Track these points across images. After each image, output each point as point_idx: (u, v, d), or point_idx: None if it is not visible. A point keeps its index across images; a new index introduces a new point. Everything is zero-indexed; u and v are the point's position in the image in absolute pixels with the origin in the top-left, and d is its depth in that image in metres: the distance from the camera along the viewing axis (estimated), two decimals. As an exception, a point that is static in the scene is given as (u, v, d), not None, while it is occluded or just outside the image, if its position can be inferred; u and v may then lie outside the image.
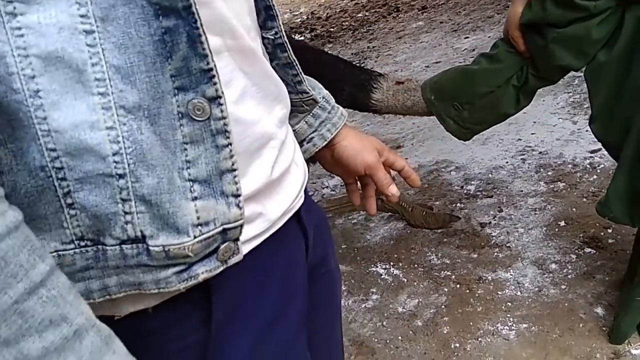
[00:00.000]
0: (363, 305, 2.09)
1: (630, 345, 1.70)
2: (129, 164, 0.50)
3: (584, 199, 2.39)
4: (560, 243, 2.18)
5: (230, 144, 0.54)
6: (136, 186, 0.50)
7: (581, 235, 2.18)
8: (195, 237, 0.53)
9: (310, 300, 0.74)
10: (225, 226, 0.55)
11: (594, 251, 2.09)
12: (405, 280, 2.18)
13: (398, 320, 1.99)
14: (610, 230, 2.17)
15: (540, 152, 2.84)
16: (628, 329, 1.69)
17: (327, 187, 3.03)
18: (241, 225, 0.56)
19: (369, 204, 0.96)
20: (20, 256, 0.42)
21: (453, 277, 2.13)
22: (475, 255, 2.22)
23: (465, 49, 4.37)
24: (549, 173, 2.65)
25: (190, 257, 0.53)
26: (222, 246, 0.56)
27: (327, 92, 0.88)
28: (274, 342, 0.64)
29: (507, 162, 2.83)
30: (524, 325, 1.84)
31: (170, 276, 0.54)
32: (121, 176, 0.50)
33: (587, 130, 2.88)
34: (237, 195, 0.55)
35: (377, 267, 2.29)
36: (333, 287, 0.89)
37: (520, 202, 2.48)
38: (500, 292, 2.00)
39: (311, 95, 0.82)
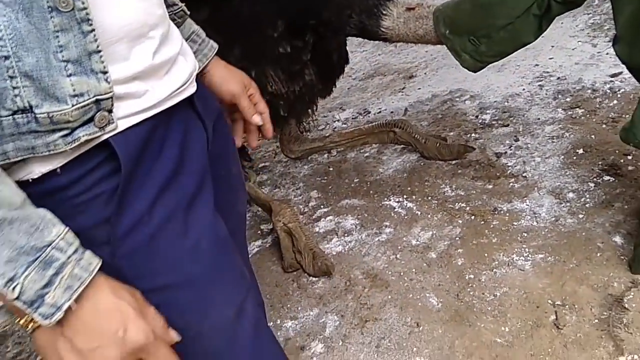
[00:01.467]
0: (376, 239, 2.08)
1: (649, 273, 1.67)
2: (11, 47, 0.61)
3: (604, 125, 2.31)
4: (578, 171, 2.12)
5: (94, 30, 0.64)
6: (19, 65, 0.61)
7: (600, 162, 2.12)
8: (73, 105, 0.64)
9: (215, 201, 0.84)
10: (98, 97, 0.66)
11: (613, 179, 2.03)
12: (419, 212, 2.15)
13: (412, 252, 1.97)
14: (630, 157, 2.10)
15: (559, 78, 2.74)
16: (648, 258, 1.65)
17: (338, 120, 2.97)
18: (111, 98, 0.67)
19: (236, 137, 1.04)
20: None
21: (467, 208, 2.09)
22: (491, 186, 2.17)
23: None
24: (567, 99, 2.56)
25: (71, 122, 0.65)
26: (97, 114, 0.66)
27: (198, 27, 1.00)
28: (174, 193, 0.75)
29: (523, 89, 2.73)
30: (540, 256, 1.82)
31: (57, 139, 0.65)
32: (6, 57, 0.61)
33: (607, 54, 2.76)
34: (104, 72, 0.66)
35: (390, 200, 2.25)
36: (233, 194, 0.99)
37: (537, 131, 2.41)
38: (515, 223, 1.97)
39: (180, 7, 0.95)
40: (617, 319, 1.57)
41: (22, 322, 0.62)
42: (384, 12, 1.70)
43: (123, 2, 0.71)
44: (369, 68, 3.46)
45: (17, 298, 0.58)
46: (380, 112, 2.95)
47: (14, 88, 0.61)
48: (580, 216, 1.92)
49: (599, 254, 1.77)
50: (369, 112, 2.97)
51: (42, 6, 0.61)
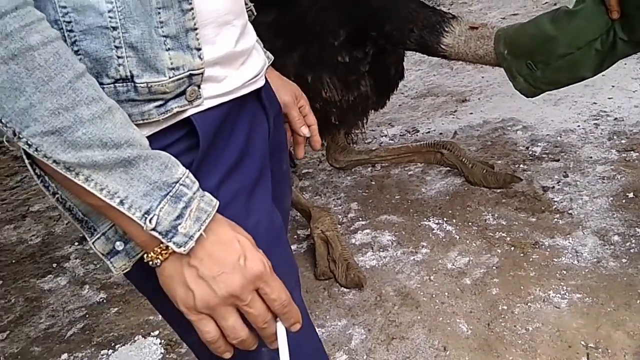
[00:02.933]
0: (412, 258, 2.06)
1: (690, 327, 1.61)
2: (119, 19, 0.64)
3: (658, 172, 2.25)
4: (626, 215, 2.07)
5: (193, 9, 0.68)
6: (126, 36, 0.65)
7: (650, 209, 2.07)
8: (170, 78, 0.68)
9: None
10: (191, 72, 0.70)
11: (662, 227, 1.98)
12: (458, 237, 2.13)
13: (446, 276, 1.95)
14: (682, 207, 2.04)
15: (616, 119, 2.69)
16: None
17: (385, 135, 2.96)
18: (202, 73, 0.71)
19: None
20: (67, 53, 0.60)
21: (508, 239, 2.07)
22: (534, 219, 2.14)
23: (546, 2, 4.13)
24: (623, 141, 2.50)
25: (167, 94, 0.69)
26: (189, 88, 0.70)
27: (257, 37, 0.99)
28: (239, 177, 0.79)
29: (578, 126, 2.69)
30: (578, 295, 1.78)
31: (151, 109, 0.69)
32: (114, 28, 0.64)
33: (670, 99, 2.70)
34: (198, 49, 0.70)
35: (429, 221, 2.24)
36: (285, 189, 1.03)
37: (588, 169, 2.36)
38: (556, 259, 1.93)
39: (249, 7, 0.96)
40: (651, 370, 1.53)
41: (150, 255, 0.66)
42: (447, 29, 1.69)
43: None
44: (422, 87, 3.45)
45: (154, 229, 0.62)
46: (429, 132, 2.94)
47: (119, 57, 0.65)
48: (624, 260, 1.87)
49: (638, 301, 1.72)
50: (418, 131, 2.96)
51: None
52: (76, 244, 2.47)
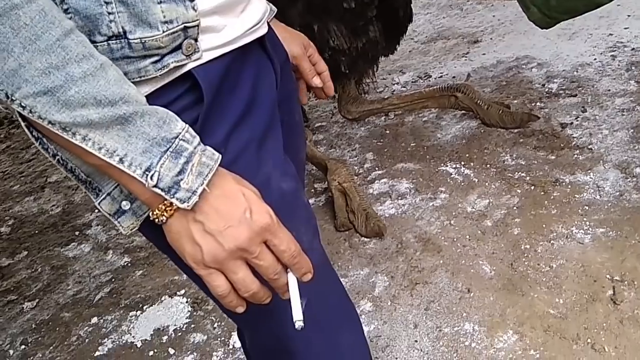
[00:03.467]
0: (431, 204, 2.05)
1: None
2: None
3: (679, 100, 2.20)
4: (648, 146, 2.03)
5: None
6: None
7: (672, 138, 2.02)
8: (164, 32, 0.66)
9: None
10: (186, 24, 0.67)
11: (686, 156, 1.94)
12: (476, 180, 2.10)
13: (466, 219, 1.94)
14: None
15: (633, 49, 2.61)
16: None
17: (397, 83, 2.92)
18: (197, 26, 0.68)
19: (300, 94, 1.03)
20: (53, 10, 0.58)
21: (527, 178, 2.04)
22: (553, 157, 2.10)
23: None
24: (642, 71, 2.44)
25: (162, 49, 0.67)
26: (185, 42, 0.68)
27: None
28: (248, 127, 0.77)
29: (595, 59, 2.62)
30: (601, 230, 1.76)
31: (148, 65, 0.67)
32: None
33: (689, 25, 2.61)
34: (192, 0, 0.67)
35: (447, 166, 2.22)
36: (299, 139, 1.01)
37: (606, 102, 2.31)
38: (577, 196, 1.91)
39: None
40: (679, 299, 1.52)
41: (155, 213, 0.65)
42: None
43: None
44: (432, 31, 3.37)
45: (155, 185, 0.62)
46: (441, 76, 2.88)
47: (109, 14, 0.63)
48: (647, 192, 1.85)
49: (664, 232, 1.70)
50: (430, 76, 2.91)
51: None
52: (96, 211, 2.49)
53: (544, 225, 1.82)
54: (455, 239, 1.87)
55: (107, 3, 0.63)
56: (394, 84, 2.92)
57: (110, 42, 0.65)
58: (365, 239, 1.97)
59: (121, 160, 0.61)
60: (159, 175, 0.61)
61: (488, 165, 2.15)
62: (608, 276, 1.62)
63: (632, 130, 2.12)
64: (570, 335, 1.49)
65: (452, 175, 2.16)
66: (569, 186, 1.95)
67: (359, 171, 2.33)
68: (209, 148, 0.66)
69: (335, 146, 2.55)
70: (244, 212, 0.65)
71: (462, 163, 2.20)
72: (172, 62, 0.68)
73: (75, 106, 0.59)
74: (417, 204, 2.07)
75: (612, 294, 1.57)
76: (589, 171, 1.99)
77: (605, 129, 2.17)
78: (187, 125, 0.65)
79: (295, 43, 0.97)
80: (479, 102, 2.36)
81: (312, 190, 2.29)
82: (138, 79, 0.67)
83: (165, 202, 0.64)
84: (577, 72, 2.56)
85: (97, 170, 0.66)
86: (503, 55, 2.87)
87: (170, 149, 0.62)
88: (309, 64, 0.99)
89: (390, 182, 2.22)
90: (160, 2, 0.65)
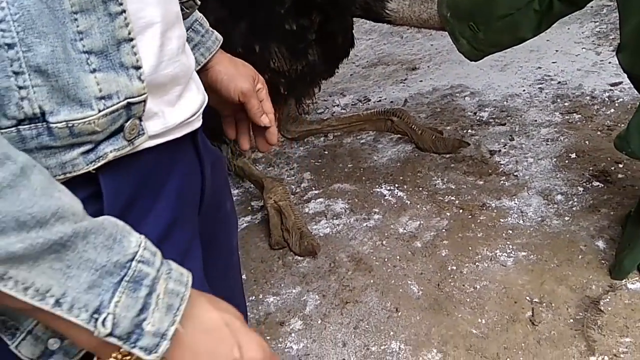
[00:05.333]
0: (364, 224, 2.10)
1: (627, 279, 1.70)
2: (17, 32, 0.45)
3: (599, 132, 2.33)
4: (569, 175, 2.14)
5: (125, 11, 0.51)
6: (29, 56, 0.46)
7: (591, 168, 2.15)
8: (100, 111, 0.50)
9: (205, 240, 0.73)
10: (130, 100, 0.52)
11: (602, 185, 2.06)
12: (409, 202, 2.17)
13: (398, 240, 1.99)
14: (621, 165, 2.12)
15: (559, 82, 2.76)
16: (631, 266, 1.67)
17: (337, 105, 2.98)
18: (144, 101, 0.54)
19: (242, 139, 0.92)
20: None
21: (457, 202, 2.12)
22: (481, 182, 2.19)
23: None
24: (566, 104, 2.58)
25: (97, 134, 0.51)
26: (128, 123, 0.53)
27: (201, 15, 0.84)
28: (167, 250, 0.59)
29: (524, 90, 2.75)
30: (523, 254, 1.84)
31: (76, 157, 0.51)
32: (10, 46, 0.46)
33: (610, 62, 2.78)
34: (137, 67, 0.53)
35: (381, 187, 2.27)
36: (229, 230, 0.89)
37: (532, 132, 2.43)
38: (502, 220, 1.99)
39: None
40: (591, 320, 1.60)
41: None
42: None
43: None
44: (373, 56, 3.46)
45: (110, 333, 0.45)
46: (380, 100, 2.96)
47: (21, 88, 0.47)
48: (566, 218, 1.95)
49: (580, 257, 1.80)
50: (369, 100, 2.98)
51: None
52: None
53: (470, 248, 1.90)
54: (386, 259, 1.92)
55: (16, 73, 0.46)
56: (334, 106, 2.98)
57: (21, 127, 0.48)
58: (299, 258, 1.99)
59: (58, 303, 0.44)
60: (113, 318, 0.45)
61: (420, 188, 2.22)
62: (528, 298, 1.70)
63: (555, 159, 2.24)
64: (491, 355, 1.56)
65: (386, 197, 2.22)
66: (495, 210, 2.04)
67: (296, 190, 2.36)
68: (174, 265, 0.51)
69: (273, 164, 2.57)
70: (231, 350, 0.52)
71: (396, 185, 2.27)
72: (110, 152, 0.53)
73: None
74: (351, 224, 2.11)
75: (531, 315, 1.65)
76: (514, 197, 2.09)
77: (530, 157, 2.28)
78: (143, 238, 0.50)
79: (243, 77, 0.85)
80: (413, 127, 2.44)
81: (249, 208, 2.31)
82: (62, 177, 0.51)
83: (121, 350, 0.47)
84: (507, 102, 2.68)
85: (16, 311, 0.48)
86: (439, 83, 2.98)
87: (126, 277, 0.47)
88: (257, 101, 0.85)
89: (327, 201, 2.25)
90: (95, 70, 0.50)
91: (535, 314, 1.65)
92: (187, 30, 0.80)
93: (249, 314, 1.75)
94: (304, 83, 2.13)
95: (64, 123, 0.49)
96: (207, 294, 0.54)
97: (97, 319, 0.45)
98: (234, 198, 2.32)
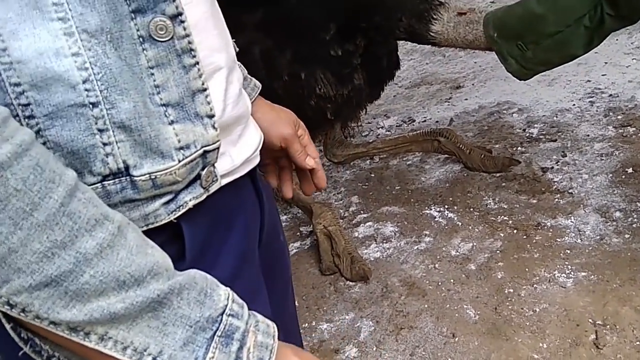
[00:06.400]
0: (415, 247, 2.07)
1: (697, 298, 1.62)
2: (101, 91, 0.47)
3: (656, 145, 2.26)
4: (627, 190, 2.07)
5: (198, 63, 0.52)
6: (112, 113, 0.47)
7: (650, 183, 2.07)
8: (180, 161, 0.51)
9: (265, 273, 0.74)
10: (205, 148, 0.53)
11: (663, 200, 1.98)
12: (460, 223, 2.13)
13: (451, 263, 1.96)
14: (682, 179, 2.05)
15: (611, 95, 2.69)
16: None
17: (382, 127, 2.97)
18: (218, 148, 0.55)
19: (285, 187, 0.91)
20: (50, 163, 0.42)
21: (510, 222, 2.07)
22: (535, 201, 2.14)
23: (535, -16, 4.12)
24: (619, 117, 2.50)
25: (178, 184, 0.52)
26: (204, 171, 0.54)
27: (239, 62, 0.84)
28: (241, 285, 0.61)
29: (574, 105, 2.69)
30: (583, 274, 1.78)
31: (158, 208, 0.52)
32: (94, 104, 0.47)
33: (663, 72, 2.70)
34: (211, 116, 0.53)
35: (431, 209, 2.24)
36: (284, 261, 0.89)
37: (585, 147, 2.37)
38: (559, 239, 1.94)
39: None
40: (660, 343, 1.54)
41: None
42: (435, 16, 1.70)
43: (211, 29, 0.58)
44: (416, 77, 3.45)
45: None
46: (425, 120, 2.94)
47: (105, 145, 0.48)
48: (627, 236, 1.88)
49: (644, 276, 1.73)
50: (414, 121, 2.96)
51: (131, 36, 0.48)
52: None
53: (526, 269, 1.85)
54: (439, 283, 1.89)
55: (101, 131, 0.47)
56: (378, 128, 2.97)
57: (106, 182, 0.49)
58: (351, 283, 1.97)
59: None
60: None
61: (471, 209, 2.18)
62: (590, 320, 1.64)
63: (610, 175, 2.17)
64: (555, 380, 1.50)
65: (436, 219, 2.19)
66: (551, 230, 1.98)
67: (344, 214, 2.35)
68: (260, 317, 0.52)
69: (315, 192, 2.57)
70: None
71: (446, 206, 2.23)
72: (190, 200, 0.54)
73: (91, 296, 0.42)
74: (401, 248, 2.09)
75: (594, 338, 1.59)
76: (570, 215, 2.03)
77: (585, 174, 2.22)
78: (230, 290, 0.50)
79: (285, 123, 0.84)
80: (461, 146, 2.41)
81: (298, 234, 2.31)
82: (145, 228, 0.51)
83: None
84: (556, 117, 2.62)
85: None
86: (485, 100, 2.94)
87: (218, 333, 0.47)
88: (300, 145, 0.84)
89: (375, 225, 2.24)
90: (173, 121, 0.51)
91: (599, 337, 1.59)
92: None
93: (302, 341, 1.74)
94: (350, 107, 2.13)
95: (147, 175, 0.50)
96: (290, 345, 0.55)
97: None
98: (283, 224, 2.33)
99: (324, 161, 2.73)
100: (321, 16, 1.84)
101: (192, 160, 0.52)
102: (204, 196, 0.55)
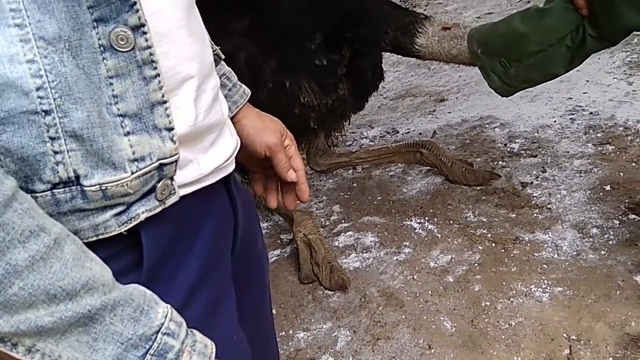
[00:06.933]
0: (395, 258, 2.08)
1: (669, 316, 1.65)
2: (54, 99, 0.46)
3: (633, 164, 2.29)
4: (604, 207, 2.10)
5: (159, 75, 0.51)
6: (65, 122, 0.47)
7: (626, 200, 2.10)
8: (132, 173, 0.51)
9: (239, 281, 0.74)
10: (162, 161, 0.53)
11: (639, 218, 2.01)
12: (440, 235, 2.14)
13: (429, 274, 1.97)
14: (658, 198, 2.08)
15: (591, 113, 2.73)
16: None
17: (365, 137, 2.98)
18: (176, 161, 0.54)
19: (269, 196, 0.90)
20: None
21: (489, 235, 2.09)
22: (514, 215, 2.16)
23: (520, 0, 4.18)
24: (599, 135, 2.54)
25: (130, 196, 0.51)
26: (160, 184, 0.54)
27: (229, 68, 0.84)
28: (200, 304, 0.62)
29: (555, 121, 2.72)
30: (559, 289, 1.80)
31: (109, 219, 0.51)
32: (47, 112, 0.46)
33: (643, 92, 2.74)
34: (170, 129, 0.53)
35: (411, 220, 2.26)
36: (262, 269, 0.89)
37: (565, 164, 2.40)
38: (536, 254, 1.96)
39: (215, 51, 0.78)
40: (632, 359, 1.55)
41: None
42: (420, 29, 1.72)
43: (183, 38, 0.58)
44: (400, 88, 3.47)
45: None
46: (408, 132, 2.96)
47: (56, 153, 0.48)
48: (603, 252, 1.90)
49: (618, 292, 1.75)
50: (397, 132, 2.98)
51: (92, 45, 0.48)
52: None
53: (503, 283, 1.86)
54: (417, 294, 1.89)
55: (52, 139, 0.47)
56: (362, 138, 2.98)
57: (55, 190, 0.48)
58: (329, 292, 1.98)
59: None
60: None
61: (451, 221, 2.20)
62: (565, 335, 1.65)
63: (589, 192, 2.20)
64: (528, 394, 1.51)
65: (417, 230, 2.20)
66: (529, 244, 2.00)
67: (325, 223, 2.35)
68: (198, 335, 0.52)
69: (297, 207, 2.57)
70: None
71: (426, 218, 2.25)
72: (142, 212, 0.53)
73: (19, 308, 0.42)
74: (381, 258, 2.09)
75: (569, 353, 1.60)
76: (548, 230, 2.05)
77: (563, 189, 2.24)
78: (169, 308, 0.50)
79: (271, 132, 0.83)
80: (443, 159, 2.43)
81: (278, 242, 2.30)
82: (94, 239, 0.51)
83: None
84: (537, 133, 2.66)
85: None
86: (468, 114, 2.97)
87: (151, 351, 0.47)
88: (285, 155, 0.83)
89: (356, 235, 2.24)
90: (128, 132, 0.50)
91: (573, 352, 1.60)
92: (219, 66, 0.81)
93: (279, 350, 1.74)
94: (334, 117, 2.14)
95: (98, 186, 0.49)
96: None
97: None
98: (264, 231, 2.32)
99: (306, 169, 2.73)
100: (307, 25, 1.85)
101: (146, 173, 0.52)
102: (159, 209, 0.54)
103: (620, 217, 2.04)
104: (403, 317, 1.82)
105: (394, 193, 2.45)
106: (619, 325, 1.66)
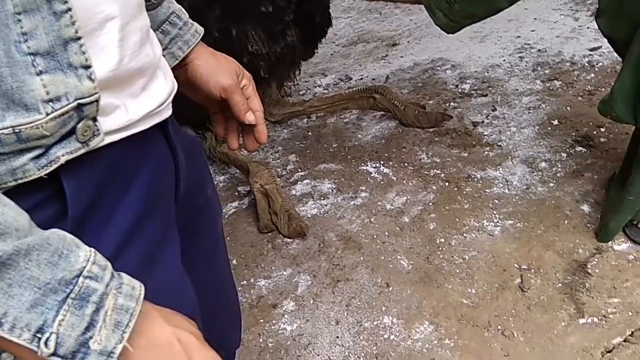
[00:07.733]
0: (352, 203, 2.10)
1: (613, 241, 1.72)
2: None
3: (580, 98, 2.35)
4: (552, 142, 2.16)
5: (70, 9, 0.48)
6: None
7: (573, 134, 2.16)
8: (47, 114, 0.48)
9: (187, 228, 0.73)
10: (80, 101, 0.50)
11: (585, 150, 2.07)
12: (395, 178, 2.17)
13: (385, 216, 2.00)
14: (603, 129, 2.14)
15: (539, 50, 2.76)
16: (617, 227, 1.69)
17: (319, 85, 2.97)
18: (97, 101, 0.52)
19: (230, 138, 0.88)
20: None
21: (442, 175, 2.13)
22: (466, 154, 2.20)
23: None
24: (546, 71, 2.58)
25: (47, 138, 0.49)
26: (80, 124, 0.51)
27: (179, 6, 0.80)
28: (138, 244, 0.60)
29: (504, 60, 2.75)
30: (510, 222, 1.86)
31: (26, 163, 0.48)
32: None
33: (588, 27, 2.79)
34: (87, 67, 0.50)
35: (367, 165, 2.28)
36: (212, 215, 0.88)
37: (514, 101, 2.44)
38: (488, 190, 2.01)
39: None
40: (579, 284, 1.63)
41: None
42: None
43: None
44: (352, 35, 3.45)
45: (54, 353, 0.44)
46: (361, 78, 2.95)
47: None
48: (551, 185, 1.96)
49: (566, 222, 1.81)
50: (351, 79, 2.97)
51: None
52: None
53: (457, 220, 1.91)
54: (375, 236, 1.93)
55: None
56: (315, 87, 2.97)
57: None
58: (288, 240, 2.00)
59: None
60: (57, 337, 0.44)
61: (406, 164, 2.23)
62: (516, 265, 1.72)
63: (537, 127, 2.25)
64: (482, 323, 1.57)
65: (372, 175, 2.23)
66: (480, 181, 2.05)
67: (282, 173, 2.35)
68: (126, 278, 0.49)
69: (258, 149, 2.56)
70: None
71: (382, 162, 2.27)
72: (62, 155, 0.51)
73: None
74: (338, 204, 2.12)
75: (520, 282, 1.67)
76: (499, 167, 2.10)
77: (513, 127, 2.29)
78: (93, 251, 0.48)
79: (225, 72, 0.80)
80: (396, 103, 2.44)
81: (236, 194, 2.30)
82: (13, 183, 0.49)
83: None
84: (487, 73, 2.69)
85: None
86: (419, 57, 2.98)
87: (72, 295, 0.45)
88: (241, 97, 0.81)
89: (313, 182, 2.26)
90: (41, 72, 0.47)
91: (524, 280, 1.67)
92: (163, 23, 0.78)
93: (241, 298, 1.76)
94: (283, 65, 2.12)
95: (10, 129, 0.47)
96: (161, 308, 0.52)
97: (40, 339, 0.44)
98: (220, 184, 2.32)
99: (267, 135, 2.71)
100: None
101: (63, 114, 0.49)
102: (82, 151, 0.52)
103: (567, 149, 2.10)
104: (361, 258, 1.85)
105: (349, 139, 2.46)
106: (567, 253, 1.73)
